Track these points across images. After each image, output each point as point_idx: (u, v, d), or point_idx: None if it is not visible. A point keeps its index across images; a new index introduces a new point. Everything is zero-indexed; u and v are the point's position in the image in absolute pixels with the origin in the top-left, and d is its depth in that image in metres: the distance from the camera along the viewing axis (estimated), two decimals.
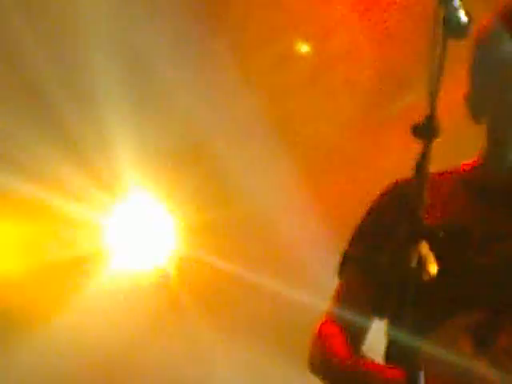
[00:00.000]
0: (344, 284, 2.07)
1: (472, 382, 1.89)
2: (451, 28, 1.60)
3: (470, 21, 1.62)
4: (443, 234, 1.82)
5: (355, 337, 2.02)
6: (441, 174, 2.02)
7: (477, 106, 2.03)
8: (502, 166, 2.03)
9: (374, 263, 2.02)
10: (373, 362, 1.96)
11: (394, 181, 2.06)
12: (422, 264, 1.56)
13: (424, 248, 1.58)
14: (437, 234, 1.79)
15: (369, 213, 2.08)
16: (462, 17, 1.61)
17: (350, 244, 2.08)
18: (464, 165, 2.07)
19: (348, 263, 2.07)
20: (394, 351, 1.98)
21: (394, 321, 1.92)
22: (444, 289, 1.84)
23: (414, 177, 1.60)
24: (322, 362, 2.00)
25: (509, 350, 1.92)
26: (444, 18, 1.60)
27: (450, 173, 2.08)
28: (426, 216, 1.60)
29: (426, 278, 1.56)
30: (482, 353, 1.91)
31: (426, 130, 1.61)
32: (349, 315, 2.01)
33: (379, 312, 2.02)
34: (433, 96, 1.58)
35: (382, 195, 2.08)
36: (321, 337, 2.02)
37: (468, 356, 1.90)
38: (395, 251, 1.76)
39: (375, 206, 2.08)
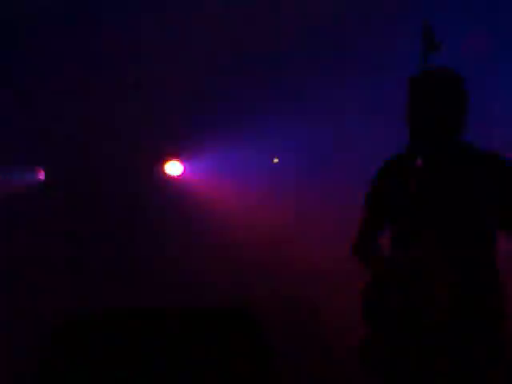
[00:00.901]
0: (367, 212, 3.58)
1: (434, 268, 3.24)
2: (431, 47, 3.09)
3: (441, 43, 3.08)
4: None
5: (376, 238, 3.56)
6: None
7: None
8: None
9: (380, 200, 3.51)
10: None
11: (388, 159, 3.52)
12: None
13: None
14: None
15: (376, 176, 3.55)
16: (436, 41, 3.08)
17: (367, 196, 3.57)
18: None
19: (367, 200, 3.57)
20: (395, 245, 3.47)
21: (393, 232, 3.48)
22: (416, 216, 3.30)
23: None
24: (362, 257, 3.55)
25: (460, 249, 3.27)
26: (427, 41, 3.07)
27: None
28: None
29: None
30: (441, 247, 3.26)
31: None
32: (370, 229, 3.57)
33: (384, 226, 3.53)
34: None
35: (381, 167, 3.54)
36: (360, 244, 3.58)
37: (433, 252, 3.27)
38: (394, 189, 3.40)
39: (378, 173, 3.54)
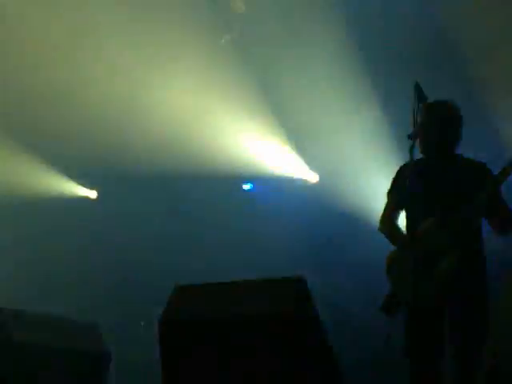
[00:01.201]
0: (389, 199, 4.84)
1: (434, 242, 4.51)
2: (421, 99, 4.46)
3: (426, 97, 4.43)
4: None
5: (396, 219, 4.83)
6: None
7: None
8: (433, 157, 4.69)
9: (399, 192, 4.70)
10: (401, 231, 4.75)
11: (404, 164, 4.71)
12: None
13: None
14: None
15: (396, 175, 4.80)
16: (424, 94, 4.45)
17: (390, 187, 4.83)
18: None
19: (390, 192, 4.84)
20: (408, 226, 4.69)
21: (408, 213, 4.74)
22: (425, 202, 4.61)
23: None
24: (384, 230, 4.84)
25: (461, 232, 4.49)
26: (418, 96, 4.45)
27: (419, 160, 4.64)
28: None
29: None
30: (443, 227, 4.54)
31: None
32: (391, 211, 4.84)
33: (401, 209, 4.77)
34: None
35: (400, 168, 4.77)
36: (384, 221, 4.84)
37: (436, 229, 4.56)
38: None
39: (397, 173, 4.80)
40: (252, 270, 6.42)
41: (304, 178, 8.43)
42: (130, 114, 7.43)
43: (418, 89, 4.45)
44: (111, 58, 7.01)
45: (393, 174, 4.93)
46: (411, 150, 4.52)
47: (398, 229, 4.82)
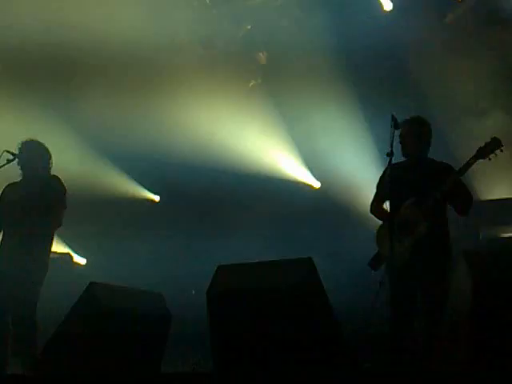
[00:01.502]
0: (377, 190, 6.36)
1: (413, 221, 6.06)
2: (396, 126, 6.05)
3: (400, 125, 6.05)
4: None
5: (382, 204, 6.39)
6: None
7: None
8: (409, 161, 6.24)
9: (383, 187, 6.22)
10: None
11: (388, 165, 5.98)
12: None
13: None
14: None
15: (382, 174, 6.35)
16: (398, 123, 6.06)
17: (378, 182, 6.41)
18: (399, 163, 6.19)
19: (377, 186, 6.40)
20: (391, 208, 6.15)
21: (391, 201, 6.22)
22: (405, 193, 6.19)
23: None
24: (373, 211, 6.47)
25: (430, 209, 5.97)
26: (394, 122, 6.06)
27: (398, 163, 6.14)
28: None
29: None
30: (418, 208, 6.08)
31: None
32: (378, 200, 6.43)
33: (386, 199, 6.23)
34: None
35: (385, 169, 6.19)
36: (373, 204, 6.45)
37: (412, 208, 6.16)
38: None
39: (382, 174, 6.34)
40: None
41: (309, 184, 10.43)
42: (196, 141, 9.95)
43: (393, 119, 5.88)
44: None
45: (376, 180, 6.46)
46: (389, 163, 6.02)
47: (383, 209, 6.22)
